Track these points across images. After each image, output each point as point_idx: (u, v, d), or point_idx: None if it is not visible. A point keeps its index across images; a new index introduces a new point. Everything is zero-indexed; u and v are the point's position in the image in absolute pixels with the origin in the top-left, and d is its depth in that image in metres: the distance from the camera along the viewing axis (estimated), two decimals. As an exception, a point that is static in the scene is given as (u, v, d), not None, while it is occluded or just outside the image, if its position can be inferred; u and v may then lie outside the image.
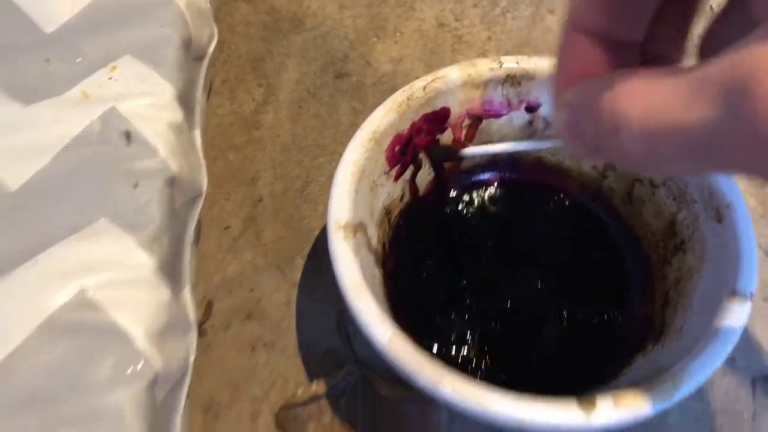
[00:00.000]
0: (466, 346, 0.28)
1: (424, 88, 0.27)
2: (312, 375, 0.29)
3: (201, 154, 0.31)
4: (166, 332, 0.24)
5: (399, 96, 0.27)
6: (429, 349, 0.27)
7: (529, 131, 0.31)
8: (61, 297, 0.22)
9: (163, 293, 0.24)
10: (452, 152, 0.26)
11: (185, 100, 0.29)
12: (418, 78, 0.28)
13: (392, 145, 0.27)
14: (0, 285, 0.23)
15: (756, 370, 0.30)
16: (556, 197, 0.32)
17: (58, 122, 0.26)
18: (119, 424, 0.21)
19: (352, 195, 0.25)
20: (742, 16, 0.13)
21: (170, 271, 0.26)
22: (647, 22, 0.16)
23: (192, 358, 0.26)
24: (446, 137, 0.30)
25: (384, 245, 0.29)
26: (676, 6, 0.16)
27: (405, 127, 0.28)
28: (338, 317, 0.31)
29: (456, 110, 0.29)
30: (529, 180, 0.32)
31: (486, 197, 0.32)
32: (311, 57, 0.39)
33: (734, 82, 0.11)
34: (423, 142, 0.29)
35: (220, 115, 0.37)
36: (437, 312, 0.28)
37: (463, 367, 0.27)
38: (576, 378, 0.26)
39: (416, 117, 0.28)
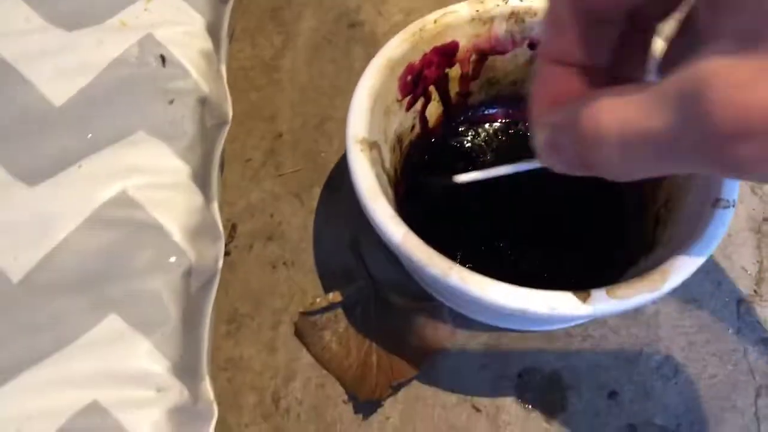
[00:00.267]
0: (473, 261, 0.30)
1: (435, 21, 0.30)
2: (328, 289, 0.32)
3: (226, 87, 0.33)
4: (199, 233, 0.26)
5: (412, 27, 0.29)
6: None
7: (531, 69, 0.33)
8: (105, 195, 0.25)
9: (197, 198, 0.27)
10: (447, 181, 0.28)
11: (213, 33, 0.31)
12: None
13: (405, 74, 0.29)
14: (48, 184, 0.25)
15: (740, 293, 0.32)
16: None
17: (100, 46, 0.28)
18: (157, 305, 0.24)
19: (368, 115, 0.27)
20: (693, 38, 0.15)
21: (201, 182, 0.28)
22: (611, 50, 0.18)
23: (221, 263, 0.28)
24: (454, 71, 0.32)
25: (396, 170, 0.31)
26: (634, 34, 0.18)
27: (417, 58, 0.30)
28: (352, 239, 0.33)
29: (464, 44, 0.31)
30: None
31: (491, 131, 0.34)
32: (327, 7, 0.41)
33: (689, 90, 0.13)
34: (433, 74, 0.31)
35: (241, 59, 0.39)
36: (447, 231, 0.30)
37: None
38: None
39: (427, 49, 0.30)
